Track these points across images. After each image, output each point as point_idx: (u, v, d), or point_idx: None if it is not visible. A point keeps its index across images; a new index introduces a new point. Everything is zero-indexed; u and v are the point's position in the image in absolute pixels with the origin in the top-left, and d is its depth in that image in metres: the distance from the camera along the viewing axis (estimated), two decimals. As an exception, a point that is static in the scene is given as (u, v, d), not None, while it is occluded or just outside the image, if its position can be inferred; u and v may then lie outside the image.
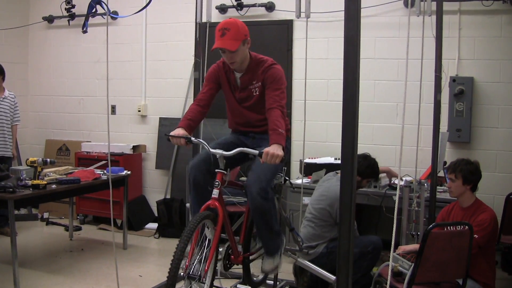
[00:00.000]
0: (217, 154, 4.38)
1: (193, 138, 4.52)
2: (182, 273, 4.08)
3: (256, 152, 4.26)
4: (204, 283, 4.22)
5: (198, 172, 4.57)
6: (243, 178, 5.02)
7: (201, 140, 4.58)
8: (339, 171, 6.14)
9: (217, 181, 4.35)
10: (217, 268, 4.58)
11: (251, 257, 5.00)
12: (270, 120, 4.42)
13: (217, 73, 4.85)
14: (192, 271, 4.12)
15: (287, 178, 5.22)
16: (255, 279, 5.27)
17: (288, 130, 4.83)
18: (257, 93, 4.71)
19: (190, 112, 4.73)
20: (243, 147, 4.48)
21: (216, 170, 4.40)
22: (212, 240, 4.24)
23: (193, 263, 4.19)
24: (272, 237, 4.73)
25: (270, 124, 4.41)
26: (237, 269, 5.04)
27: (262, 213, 4.52)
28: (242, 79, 4.74)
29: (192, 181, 4.64)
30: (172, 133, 4.51)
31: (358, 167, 6.01)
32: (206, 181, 4.56)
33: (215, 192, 4.31)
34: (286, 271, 6.49)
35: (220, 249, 4.75)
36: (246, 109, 4.84)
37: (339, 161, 3.38)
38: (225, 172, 4.40)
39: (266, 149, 4.18)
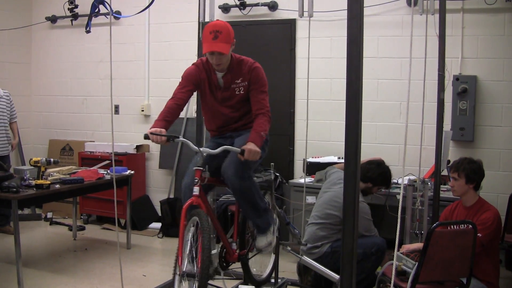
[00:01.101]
0: (204, 152, 4.46)
1: (180, 138, 4.60)
2: (178, 274, 4.13)
3: (239, 150, 4.34)
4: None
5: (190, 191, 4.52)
6: None
7: (184, 139, 4.64)
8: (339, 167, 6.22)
9: (196, 179, 4.38)
10: (215, 267, 4.61)
11: (248, 254, 5.02)
12: (256, 123, 4.57)
13: (198, 74, 4.85)
14: (189, 270, 4.17)
15: (277, 174, 5.25)
16: (258, 277, 5.27)
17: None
18: (242, 92, 4.76)
19: (168, 112, 4.71)
20: (225, 153, 4.57)
21: (194, 168, 4.45)
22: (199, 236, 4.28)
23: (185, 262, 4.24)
24: (260, 214, 4.79)
25: (255, 125, 4.55)
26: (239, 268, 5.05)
27: (242, 192, 4.61)
28: (225, 78, 4.76)
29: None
30: (152, 131, 4.46)
31: (370, 174, 6.07)
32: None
33: (196, 190, 4.36)
34: (289, 270, 6.51)
35: (214, 251, 4.74)
36: (227, 107, 4.86)
37: (342, 160, 3.38)
38: (203, 169, 4.43)
39: (247, 147, 4.31)
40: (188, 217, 4.28)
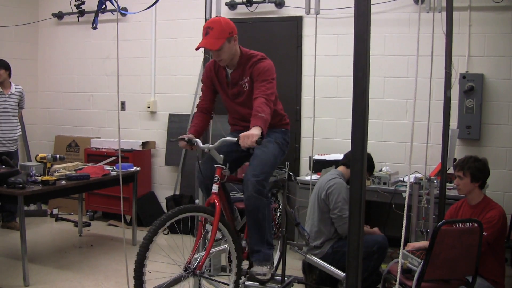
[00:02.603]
0: (205, 148, 4.53)
1: (187, 138, 4.66)
2: (181, 266, 4.32)
3: (235, 139, 4.34)
4: (205, 277, 4.39)
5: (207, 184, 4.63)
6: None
7: (196, 140, 4.67)
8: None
9: (216, 176, 4.41)
10: (223, 264, 4.62)
11: None
12: (253, 107, 4.47)
13: (210, 75, 4.95)
14: (190, 264, 4.28)
15: (291, 173, 5.23)
16: None
17: (287, 124, 5.01)
18: (247, 88, 4.74)
19: (195, 120, 4.94)
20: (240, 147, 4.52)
21: (215, 165, 4.47)
22: (211, 234, 4.29)
23: (197, 257, 4.28)
24: (262, 244, 4.68)
25: (253, 110, 4.46)
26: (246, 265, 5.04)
27: (255, 209, 4.54)
28: (233, 74, 4.78)
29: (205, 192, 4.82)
30: (176, 139, 4.73)
31: (348, 161, 6.08)
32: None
33: (215, 187, 4.38)
34: (295, 268, 6.49)
35: (224, 246, 4.86)
36: (239, 105, 4.87)
37: (348, 158, 3.37)
38: (223, 167, 4.46)
39: (242, 134, 4.25)
40: (181, 211, 4.33)
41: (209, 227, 4.37)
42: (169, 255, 4.35)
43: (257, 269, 4.65)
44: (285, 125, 4.95)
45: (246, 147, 4.23)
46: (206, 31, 4.52)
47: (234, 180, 4.95)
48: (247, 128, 4.79)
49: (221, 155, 4.47)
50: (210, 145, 4.50)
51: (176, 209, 4.19)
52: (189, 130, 4.87)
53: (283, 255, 5.31)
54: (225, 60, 4.65)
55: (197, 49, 4.62)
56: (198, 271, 4.26)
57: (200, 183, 4.87)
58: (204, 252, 4.33)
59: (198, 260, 4.28)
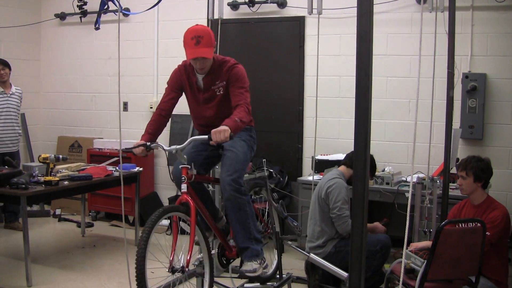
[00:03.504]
0: (171, 150, 4.52)
1: (149, 143, 4.69)
2: (167, 270, 4.33)
3: (206, 136, 4.35)
4: (196, 274, 4.47)
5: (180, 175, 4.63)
6: None
7: (157, 143, 4.72)
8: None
9: (183, 176, 4.45)
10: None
11: None
12: (233, 113, 4.50)
13: (179, 78, 4.99)
14: (176, 264, 4.35)
15: (271, 170, 5.24)
16: (263, 274, 5.26)
17: (251, 121, 4.90)
18: (221, 92, 4.77)
19: (152, 125, 4.98)
20: (209, 147, 4.64)
21: (180, 166, 4.52)
22: (190, 232, 4.35)
23: (180, 258, 4.32)
24: (249, 241, 4.69)
25: (232, 115, 4.48)
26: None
27: (236, 208, 4.58)
28: (205, 80, 4.80)
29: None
30: (131, 147, 4.78)
31: (350, 161, 6.10)
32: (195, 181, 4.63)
33: (183, 187, 4.43)
34: (297, 268, 6.50)
35: (213, 252, 4.88)
36: (209, 109, 4.88)
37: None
38: (188, 166, 4.49)
39: (213, 130, 4.27)
40: (164, 211, 4.39)
41: (184, 225, 4.44)
42: (167, 256, 4.36)
43: (246, 266, 4.68)
44: (249, 122, 4.95)
45: (218, 142, 4.27)
46: (197, 40, 4.53)
47: (206, 180, 5.00)
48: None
49: (184, 156, 4.52)
50: (178, 146, 4.50)
51: (157, 212, 4.30)
52: (142, 137, 4.88)
53: (278, 251, 5.33)
54: (207, 68, 4.70)
55: (189, 59, 4.72)
56: (186, 269, 4.31)
57: (176, 185, 4.85)
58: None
59: (182, 259, 4.35)
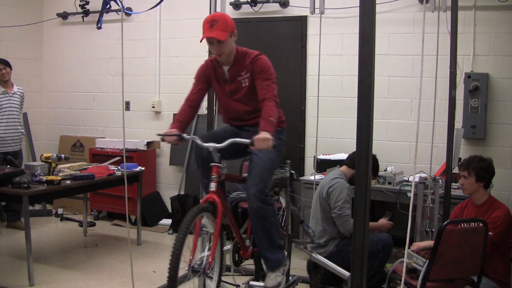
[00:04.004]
0: (209, 147, 4.43)
1: (184, 135, 4.60)
2: (186, 268, 4.11)
3: (248, 140, 4.26)
4: (209, 276, 4.28)
5: (201, 150, 4.62)
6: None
7: (193, 136, 4.65)
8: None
9: (213, 175, 4.37)
10: (227, 263, 4.61)
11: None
12: (263, 110, 4.46)
13: (206, 71, 4.92)
14: (197, 265, 4.15)
15: (293, 171, 5.21)
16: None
17: (283, 122, 4.93)
18: (246, 84, 4.73)
19: (181, 114, 4.87)
20: (235, 137, 4.50)
21: (211, 164, 4.44)
22: (214, 233, 4.27)
23: (199, 257, 4.24)
24: (272, 250, 4.66)
25: (263, 113, 4.44)
26: (251, 264, 5.04)
27: (260, 218, 4.52)
28: (230, 71, 4.77)
29: (200, 159, 4.77)
30: (164, 132, 4.66)
31: (351, 162, 6.11)
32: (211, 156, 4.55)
33: (213, 186, 4.34)
34: (300, 267, 6.50)
35: (229, 246, 4.85)
36: (236, 101, 4.85)
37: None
38: (220, 165, 4.44)
39: (256, 136, 4.21)
40: (199, 210, 4.19)
41: (208, 224, 4.35)
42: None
43: (271, 280, 4.65)
44: (281, 123, 4.92)
45: (260, 149, 4.24)
46: (211, 23, 4.50)
47: (234, 179, 4.96)
48: (241, 127, 4.86)
49: (218, 154, 4.46)
50: (216, 145, 4.42)
51: (193, 212, 4.08)
52: (173, 124, 4.82)
53: (288, 255, 5.31)
54: (225, 54, 4.64)
55: (201, 40, 4.59)
56: (207, 271, 4.21)
57: (202, 178, 4.83)
58: (209, 251, 4.29)
59: (205, 260, 4.22)
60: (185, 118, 4.85)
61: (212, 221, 4.30)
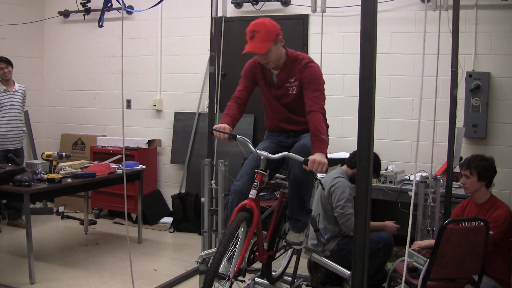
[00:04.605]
0: (262, 155, 4.37)
1: (238, 136, 4.46)
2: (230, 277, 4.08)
3: (302, 158, 4.22)
4: (232, 282, 4.17)
5: (242, 197, 4.43)
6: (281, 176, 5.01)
7: (246, 139, 4.51)
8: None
9: (256, 182, 4.32)
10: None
11: (275, 255, 5.04)
12: (312, 124, 4.38)
13: (253, 70, 4.82)
14: (221, 270, 4.04)
15: (318, 177, 5.17)
16: (273, 274, 5.26)
17: (327, 127, 4.79)
18: (294, 91, 4.66)
19: (230, 109, 4.70)
20: (284, 151, 4.46)
21: (257, 170, 4.37)
22: (244, 239, 4.22)
23: (209, 252, 4.21)
24: (302, 213, 4.70)
25: (312, 128, 4.37)
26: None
27: (300, 184, 4.54)
28: (278, 76, 4.70)
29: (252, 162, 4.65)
30: (216, 127, 4.49)
31: (352, 162, 6.11)
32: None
33: (253, 193, 4.29)
34: (300, 267, 6.49)
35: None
36: (283, 106, 4.79)
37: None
38: (265, 173, 4.38)
39: (312, 157, 4.15)
40: (241, 220, 4.15)
41: (239, 231, 4.22)
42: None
43: (294, 237, 4.70)
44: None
45: (313, 171, 4.20)
46: (252, 34, 4.42)
47: (272, 187, 4.94)
48: (287, 131, 4.84)
49: (266, 162, 4.41)
50: (269, 155, 4.36)
51: (236, 224, 4.06)
52: (224, 118, 4.62)
53: (296, 258, 5.32)
54: (272, 63, 4.57)
55: (244, 54, 4.49)
56: (233, 280, 4.15)
57: (239, 185, 4.64)
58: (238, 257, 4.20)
59: (231, 266, 4.15)
60: (234, 114, 4.68)
61: (245, 228, 4.25)
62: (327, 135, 4.49)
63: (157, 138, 9.49)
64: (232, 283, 4.14)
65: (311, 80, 4.55)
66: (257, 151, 4.40)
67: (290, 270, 5.47)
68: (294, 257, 5.43)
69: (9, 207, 8.68)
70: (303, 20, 8.41)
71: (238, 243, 4.20)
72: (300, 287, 5.55)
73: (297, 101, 4.65)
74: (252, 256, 4.81)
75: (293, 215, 4.73)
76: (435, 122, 5.87)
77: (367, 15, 2.92)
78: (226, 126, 4.49)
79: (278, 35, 4.54)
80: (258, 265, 5.03)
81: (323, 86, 4.61)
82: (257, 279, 5.08)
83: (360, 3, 2.93)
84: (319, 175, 6.88)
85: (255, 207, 4.24)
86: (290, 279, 5.39)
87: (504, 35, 7.26)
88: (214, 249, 4.37)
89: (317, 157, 4.17)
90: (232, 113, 4.66)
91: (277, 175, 4.98)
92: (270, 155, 4.37)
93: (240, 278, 4.28)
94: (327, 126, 4.75)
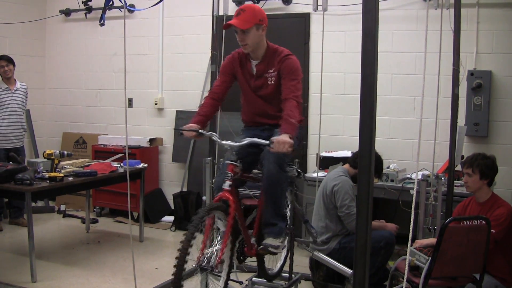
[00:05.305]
0: (227, 145, 4.44)
1: (202, 131, 4.58)
2: (194, 265, 4.08)
3: (266, 142, 4.25)
4: (217, 274, 4.25)
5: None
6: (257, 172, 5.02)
7: (211, 132, 4.66)
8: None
9: (228, 173, 4.36)
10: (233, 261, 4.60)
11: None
12: (285, 110, 4.44)
13: (232, 64, 4.88)
14: (205, 263, 4.09)
15: (300, 170, 5.19)
16: (270, 272, 5.26)
17: (301, 121, 4.84)
18: (273, 82, 4.71)
19: (204, 107, 4.82)
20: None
21: (227, 162, 4.43)
22: (225, 231, 4.25)
23: (207, 255, 4.19)
24: (277, 218, 4.66)
25: (284, 113, 4.42)
26: (253, 262, 5.03)
27: (274, 183, 4.53)
28: (258, 67, 4.76)
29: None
30: (183, 127, 4.63)
31: (354, 162, 6.10)
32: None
33: (227, 184, 4.32)
34: (302, 265, 6.50)
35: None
36: (261, 98, 4.83)
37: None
38: (236, 163, 4.41)
39: (275, 138, 4.19)
40: (211, 208, 4.18)
41: (219, 223, 4.32)
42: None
43: (272, 241, 4.64)
44: (300, 122, 4.91)
45: (278, 152, 4.21)
46: (239, 12, 4.56)
47: (250, 180, 4.95)
48: (263, 124, 4.84)
49: (236, 153, 4.46)
50: (234, 144, 4.43)
51: (204, 210, 4.06)
52: (194, 118, 4.74)
53: (290, 252, 5.31)
54: (249, 46, 4.63)
55: (225, 27, 4.67)
56: (215, 270, 4.17)
57: (219, 181, 4.70)
58: (219, 249, 4.23)
59: (213, 258, 4.16)
60: (207, 112, 4.79)
61: (224, 220, 4.28)
62: (299, 122, 4.50)
63: (158, 136, 9.48)
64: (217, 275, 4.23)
65: (289, 71, 4.62)
66: (221, 141, 4.48)
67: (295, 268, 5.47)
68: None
69: (11, 206, 8.67)
70: (304, 18, 8.41)
71: (219, 235, 4.27)
72: (299, 281, 5.54)
73: (275, 92, 4.71)
74: (241, 253, 4.86)
75: (267, 220, 4.71)
76: (437, 121, 5.86)
77: (368, 13, 2.92)
78: (192, 125, 4.61)
79: (262, 21, 4.63)
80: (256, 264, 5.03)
81: (300, 77, 4.67)
82: (254, 279, 5.09)
83: (361, 2, 2.94)
84: (321, 174, 6.90)
85: (231, 197, 4.27)
86: (287, 275, 5.38)
87: (505, 33, 7.25)
88: (215, 248, 4.37)
89: (281, 137, 4.20)
90: (203, 112, 4.78)
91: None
92: (234, 143, 4.42)
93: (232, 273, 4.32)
94: (302, 120, 4.81)
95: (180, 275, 3.84)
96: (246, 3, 8.60)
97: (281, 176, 4.51)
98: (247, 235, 4.80)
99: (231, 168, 4.39)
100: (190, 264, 3.98)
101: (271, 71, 4.71)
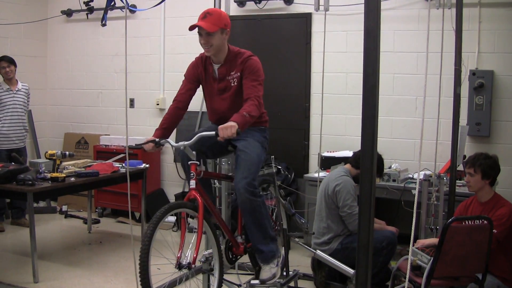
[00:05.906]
0: (180, 146, 4.51)
1: (158, 140, 4.66)
2: (174, 266, 4.36)
3: (213, 132, 4.34)
4: (192, 270, 4.37)
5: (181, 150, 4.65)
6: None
7: (167, 140, 4.70)
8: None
9: (191, 172, 4.45)
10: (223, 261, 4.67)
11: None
12: (243, 107, 4.51)
13: (196, 69, 4.98)
14: (184, 261, 4.32)
15: (278, 166, 5.23)
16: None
17: (266, 121, 4.98)
18: (235, 83, 4.77)
19: (166, 119, 4.91)
20: (224, 144, 4.66)
21: (189, 162, 4.53)
22: (197, 228, 4.33)
23: (186, 254, 4.30)
24: (265, 241, 4.69)
25: (241, 109, 4.48)
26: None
27: (251, 211, 4.56)
28: (220, 70, 4.82)
29: (185, 159, 4.78)
30: (141, 143, 4.68)
31: (355, 162, 6.11)
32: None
33: (192, 183, 4.42)
34: (303, 265, 6.50)
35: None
36: (223, 100, 4.87)
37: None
38: (197, 162, 4.50)
39: (219, 126, 4.27)
40: (170, 207, 4.42)
41: (192, 222, 4.45)
42: (174, 253, 4.35)
43: (265, 273, 4.71)
44: (264, 122, 4.96)
45: (225, 138, 4.26)
46: (205, 15, 4.63)
47: (214, 177, 5.00)
48: None
49: (193, 152, 4.52)
50: (185, 142, 4.49)
51: (163, 208, 4.33)
52: (155, 132, 4.83)
53: (285, 248, 5.32)
54: (213, 49, 4.69)
55: (191, 28, 4.72)
56: (193, 266, 4.30)
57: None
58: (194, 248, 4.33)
59: (189, 256, 4.32)
60: (169, 124, 4.90)
61: (195, 217, 4.39)
62: (252, 119, 4.52)
63: (160, 136, 9.48)
64: (192, 271, 4.38)
65: (251, 71, 4.69)
66: (175, 144, 4.55)
67: (291, 269, 5.46)
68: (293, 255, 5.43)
69: (13, 206, 8.68)
70: (306, 18, 8.40)
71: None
72: (296, 278, 5.54)
73: (237, 93, 4.76)
74: (230, 253, 4.92)
75: (255, 245, 4.75)
76: (439, 121, 5.85)
77: (370, 13, 2.92)
78: (149, 138, 4.68)
79: (227, 26, 4.70)
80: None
81: (262, 78, 4.73)
82: (252, 281, 5.10)
83: (363, 1, 2.93)
84: (322, 174, 6.90)
85: (198, 195, 4.36)
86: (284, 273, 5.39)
87: (507, 33, 7.25)
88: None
89: (226, 124, 4.28)
90: (165, 125, 4.89)
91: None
92: (185, 142, 4.48)
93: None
94: (264, 114, 4.92)
95: (146, 273, 4.25)
96: (248, 3, 8.62)
97: (253, 203, 4.53)
98: (230, 234, 4.89)
99: (193, 167, 4.48)
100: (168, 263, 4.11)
101: (233, 73, 4.77)
